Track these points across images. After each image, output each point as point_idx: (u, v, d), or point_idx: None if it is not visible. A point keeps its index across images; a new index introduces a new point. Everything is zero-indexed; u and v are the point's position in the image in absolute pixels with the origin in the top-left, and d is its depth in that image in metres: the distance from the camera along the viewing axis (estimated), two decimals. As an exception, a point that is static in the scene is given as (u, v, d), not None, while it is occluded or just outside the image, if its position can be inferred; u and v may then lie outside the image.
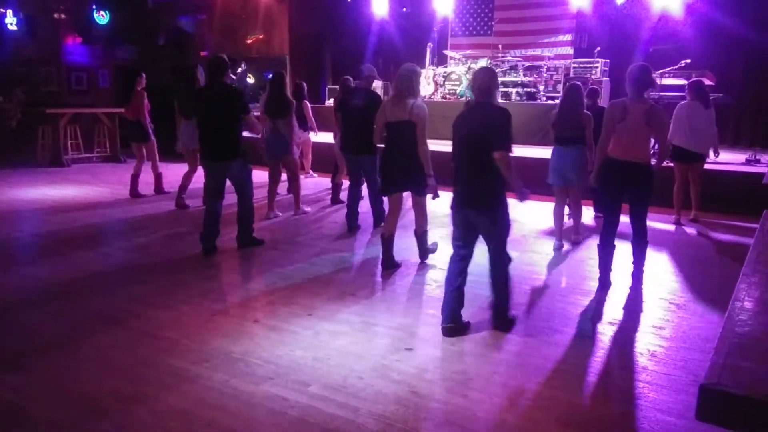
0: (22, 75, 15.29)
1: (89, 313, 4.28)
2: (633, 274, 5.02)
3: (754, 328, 1.70)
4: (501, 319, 4.10)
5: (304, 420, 2.93)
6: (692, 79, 7.80)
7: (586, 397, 3.23)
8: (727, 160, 9.06)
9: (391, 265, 5.39)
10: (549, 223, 6.87)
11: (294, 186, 7.56)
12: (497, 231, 3.97)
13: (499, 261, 4.02)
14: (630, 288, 4.91)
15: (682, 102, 7.33)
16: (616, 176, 4.72)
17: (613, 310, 4.49)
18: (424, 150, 5.00)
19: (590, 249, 5.89)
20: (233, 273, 5.38)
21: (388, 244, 5.38)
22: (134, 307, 4.38)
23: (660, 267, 5.61)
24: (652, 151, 5.33)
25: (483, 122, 3.87)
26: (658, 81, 9.72)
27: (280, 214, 7.44)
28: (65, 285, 4.87)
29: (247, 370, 3.43)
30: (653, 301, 4.69)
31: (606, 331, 4.11)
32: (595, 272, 5.01)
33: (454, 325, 3.97)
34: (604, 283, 4.96)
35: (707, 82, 9.06)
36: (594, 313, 4.43)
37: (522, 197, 4.01)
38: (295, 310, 4.33)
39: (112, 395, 3.16)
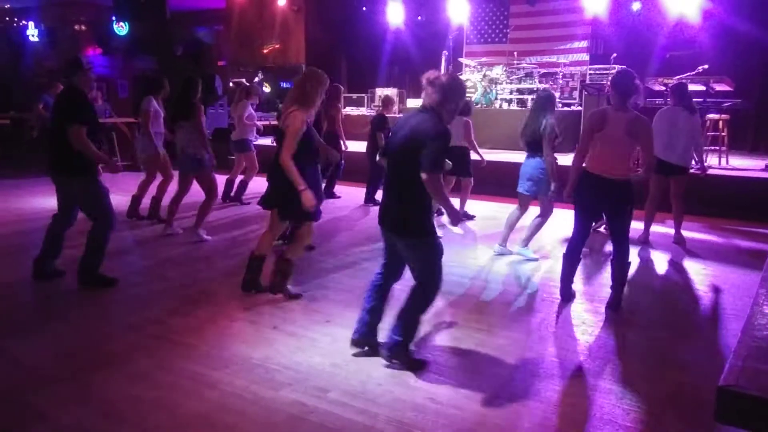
0: (43, 86, 15.57)
1: (108, 319, 4.35)
2: (609, 304, 4.55)
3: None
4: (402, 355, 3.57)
5: (323, 426, 2.96)
6: (673, 83, 7.25)
7: (605, 404, 3.23)
8: (746, 166, 9.00)
9: (251, 286, 4.83)
10: (566, 231, 6.74)
11: (206, 203, 6.57)
12: (420, 265, 3.52)
13: (425, 296, 3.54)
14: (603, 321, 4.36)
15: (664, 108, 6.67)
16: (592, 192, 4.44)
17: (645, 317, 4.47)
18: (284, 161, 4.29)
19: (609, 256, 5.84)
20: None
21: (256, 266, 4.83)
22: (152, 313, 4.43)
23: (693, 265, 5.58)
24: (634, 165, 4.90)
25: (413, 134, 3.30)
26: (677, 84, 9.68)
27: (180, 230, 6.80)
28: (85, 291, 4.93)
29: (266, 376, 3.47)
30: (679, 307, 4.66)
31: (628, 337, 4.10)
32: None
33: (362, 339, 3.69)
34: (566, 296, 4.71)
35: (725, 87, 8.99)
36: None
37: (455, 221, 3.60)
38: (314, 317, 4.36)
39: (132, 400, 3.20)
